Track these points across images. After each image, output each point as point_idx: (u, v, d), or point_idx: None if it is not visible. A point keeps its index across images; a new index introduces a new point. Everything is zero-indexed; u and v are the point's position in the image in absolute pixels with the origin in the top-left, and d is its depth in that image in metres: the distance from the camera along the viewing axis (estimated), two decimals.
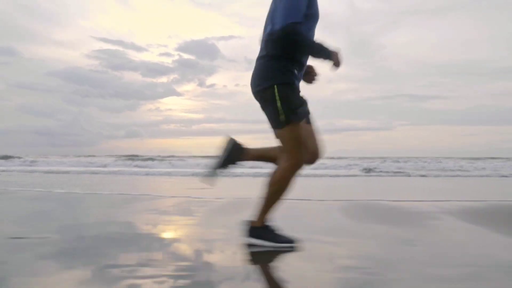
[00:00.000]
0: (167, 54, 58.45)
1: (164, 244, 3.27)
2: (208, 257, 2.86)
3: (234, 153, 2.21)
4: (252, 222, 2.29)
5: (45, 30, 50.92)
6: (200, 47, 50.77)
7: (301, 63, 2.02)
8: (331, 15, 52.28)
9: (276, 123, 1.97)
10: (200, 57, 53.45)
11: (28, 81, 53.37)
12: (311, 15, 1.96)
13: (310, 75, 2.34)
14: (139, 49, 53.95)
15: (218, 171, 2.30)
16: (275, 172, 2.13)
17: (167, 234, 3.82)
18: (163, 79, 55.15)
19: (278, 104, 1.88)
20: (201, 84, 55.55)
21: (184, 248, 3.15)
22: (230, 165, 2.25)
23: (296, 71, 1.98)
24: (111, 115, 59.31)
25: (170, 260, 2.77)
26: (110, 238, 3.46)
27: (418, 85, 56.19)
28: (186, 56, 53.05)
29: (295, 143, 2.00)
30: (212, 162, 2.31)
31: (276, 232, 2.27)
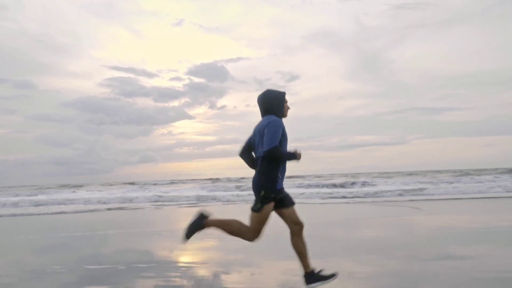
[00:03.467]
0: (178, 79, 59.57)
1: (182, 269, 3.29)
2: (225, 281, 2.89)
3: (197, 224, 2.93)
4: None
5: (59, 62, 52.68)
6: (209, 70, 51.68)
7: (283, 167, 2.95)
8: (339, 33, 52.78)
9: (256, 209, 2.80)
10: (210, 79, 54.37)
11: (45, 112, 54.85)
12: (283, 138, 2.88)
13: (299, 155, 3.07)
14: (150, 75, 55.20)
15: (189, 235, 2.92)
16: (240, 225, 2.91)
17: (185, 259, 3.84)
18: (175, 103, 56.15)
19: (261, 199, 2.79)
20: (212, 106, 56.36)
21: (202, 273, 3.17)
22: (195, 232, 2.93)
23: (280, 175, 2.88)
24: (125, 141, 60.27)
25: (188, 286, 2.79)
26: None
27: (430, 98, 55.78)
28: (196, 79, 54.02)
29: (259, 226, 2.84)
30: (185, 229, 2.95)
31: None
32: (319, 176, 31.50)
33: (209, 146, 62.81)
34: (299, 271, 3.22)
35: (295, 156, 2.88)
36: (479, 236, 4.67)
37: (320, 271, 2.92)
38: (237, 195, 14.48)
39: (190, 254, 4.18)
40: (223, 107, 53.77)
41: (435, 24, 48.62)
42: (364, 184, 19.56)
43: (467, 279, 2.83)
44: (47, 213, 10.66)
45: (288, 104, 3.09)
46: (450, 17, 48.03)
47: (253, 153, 3.09)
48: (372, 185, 18.89)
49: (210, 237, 5.20)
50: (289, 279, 2.99)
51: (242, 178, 31.22)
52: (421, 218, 6.79)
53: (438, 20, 48.54)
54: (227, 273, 3.26)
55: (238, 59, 50.37)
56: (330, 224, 6.30)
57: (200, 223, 2.94)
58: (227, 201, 13.13)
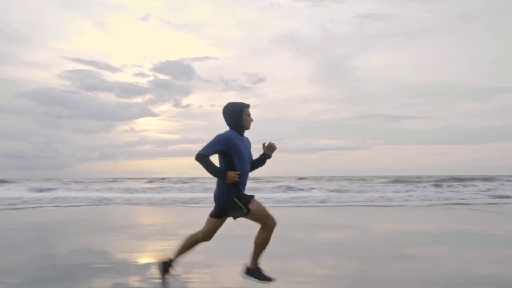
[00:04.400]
0: (142, 75, 58.28)
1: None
2: (185, 281, 2.87)
3: (165, 268, 2.99)
4: (249, 266, 2.98)
5: (16, 51, 49.89)
6: (175, 67, 50.85)
7: (243, 181, 2.96)
8: (306, 38, 53.80)
9: (243, 214, 2.86)
10: (175, 77, 53.44)
11: None
12: (235, 153, 2.90)
13: (270, 150, 3.13)
14: (113, 69, 53.52)
15: (165, 277, 2.99)
16: (261, 234, 2.91)
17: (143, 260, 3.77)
18: (138, 100, 54.73)
19: (240, 205, 2.85)
20: (176, 104, 55.53)
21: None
22: (167, 274, 2.99)
23: (240, 187, 2.91)
24: (85, 136, 57.95)
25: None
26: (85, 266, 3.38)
27: (391, 105, 58.14)
28: (161, 76, 53.03)
29: (262, 214, 2.87)
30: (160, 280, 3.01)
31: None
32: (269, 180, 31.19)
33: (173, 144, 61.89)
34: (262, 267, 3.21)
35: (224, 175, 2.86)
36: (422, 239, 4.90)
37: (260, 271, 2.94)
38: (148, 199, 13.52)
39: (150, 255, 4.09)
40: (188, 105, 53.20)
41: (398, 35, 50.75)
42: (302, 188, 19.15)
43: (421, 280, 2.97)
44: None
45: (251, 116, 3.08)
46: (412, 29, 50.32)
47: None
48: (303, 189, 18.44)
49: (171, 237, 5.12)
50: (249, 280, 3.00)
51: (194, 178, 30.79)
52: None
53: (401, 32, 50.71)
54: (188, 273, 3.23)
55: (205, 58, 50.13)
56: (289, 226, 6.39)
57: (165, 268, 2.97)
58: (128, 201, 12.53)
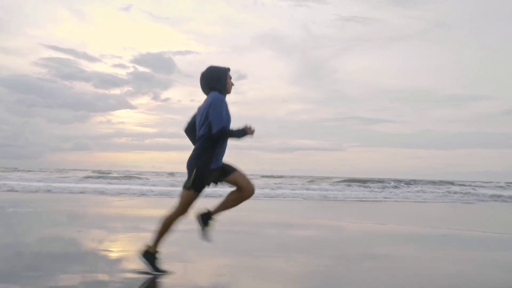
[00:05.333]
0: (122, 66, 56.90)
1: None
2: (156, 274, 2.83)
3: (150, 257, 2.89)
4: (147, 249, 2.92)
5: None
6: (156, 60, 49.87)
7: (223, 146, 2.91)
8: (288, 37, 53.94)
9: (185, 186, 2.83)
10: (155, 70, 52.45)
11: None
12: (227, 116, 2.86)
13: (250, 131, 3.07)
14: (92, 59, 51.94)
15: (205, 230, 3.03)
16: (170, 216, 2.91)
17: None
18: (116, 91, 53.43)
19: (192, 177, 2.80)
20: (155, 97, 54.63)
21: (133, 266, 3.07)
22: (209, 225, 3.01)
23: (215, 157, 2.84)
24: (59, 126, 56.14)
25: (116, 280, 2.70)
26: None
27: (368, 108, 59.06)
28: (141, 68, 51.85)
29: (188, 202, 2.84)
30: (200, 228, 3.04)
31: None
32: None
33: (149, 138, 60.98)
34: (234, 267, 3.23)
35: (245, 133, 2.79)
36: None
37: (210, 223, 2.97)
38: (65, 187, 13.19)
39: (121, 246, 4.03)
40: (167, 99, 52.42)
41: (378, 40, 51.56)
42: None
43: (388, 279, 3.04)
44: None
45: (232, 80, 3.00)
46: (392, 34, 51.23)
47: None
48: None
49: (143, 230, 5.06)
50: (222, 274, 2.99)
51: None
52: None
53: (381, 36, 51.57)
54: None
55: (186, 52, 49.49)
56: (262, 221, 6.42)
57: (151, 257, 2.87)
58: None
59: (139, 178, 22.91)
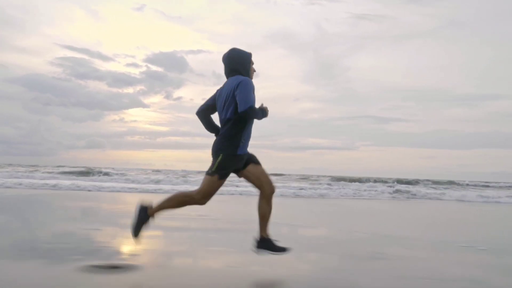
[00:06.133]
0: (135, 65, 57.29)
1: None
2: (166, 271, 2.86)
3: (142, 215, 2.87)
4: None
5: (7, 36, 48.60)
6: (168, 59, 50.15)
7: (249, 131, 2.86)
8: (300, 35, 53.70)
9: (209, 172, 2.77)
10: (168, 69, 52.78)
11: None
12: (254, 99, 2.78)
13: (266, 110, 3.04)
14: (105, 58, 52.49)
15: (137, 232, 2.91)
16: (185, 195, 2.85)
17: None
18: (130, 90, 53.95)
19: (217, 164, 2.74)
20: (168, 96, 54.91)
21: (144, 262, 3.10)
22: (144, 225, 2.89)
23: (243, 140, 2.78)
24: (73, 124, 56.90)
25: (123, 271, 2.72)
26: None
27: (380, 107, 58.46)
28: (154, 67, 52.18)
29: (211, 190, 2.77)
30: (131, 228, 2.92)
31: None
32: None
33: (162, 136, 61.34)
34: (245, 264, 3.23)
35: (266, 112, 2.81)
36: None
37: (274, 240, 2.88)
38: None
39: (131, 243, 4.07)
40: (179, 98, 52.65)
41: (391, 38, 51.02)
42: None
43: (396, 278, 3.01)
44: None
45: (254, 66, 2.95)
46: (405, 32, 50.64)
47: (211, 116, 3.00)
48: None
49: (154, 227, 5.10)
50: (232, 271, 3.00)
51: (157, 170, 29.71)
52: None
53: (394, 34, 50.93)
54: (169, 264, 3.22)
55: (199, 51, 49.58)
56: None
57: (144, 216, 2.85)
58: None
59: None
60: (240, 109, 2.65)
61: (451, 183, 27.20)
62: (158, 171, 28.45)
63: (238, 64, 2.85)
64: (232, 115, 2.73)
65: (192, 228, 5.14)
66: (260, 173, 2.87)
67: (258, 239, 2.89)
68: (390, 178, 25.00)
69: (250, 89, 2.70)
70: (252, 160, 2.88)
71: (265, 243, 2.87)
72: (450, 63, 52.88)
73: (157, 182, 16.96)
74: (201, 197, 2.77)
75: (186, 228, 5.11)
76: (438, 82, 54.42)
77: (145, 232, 2.96)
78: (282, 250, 2.86)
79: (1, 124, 50.34)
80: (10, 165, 30.77)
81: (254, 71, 2.97)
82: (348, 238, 4.90)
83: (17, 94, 49.60)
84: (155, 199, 2.98)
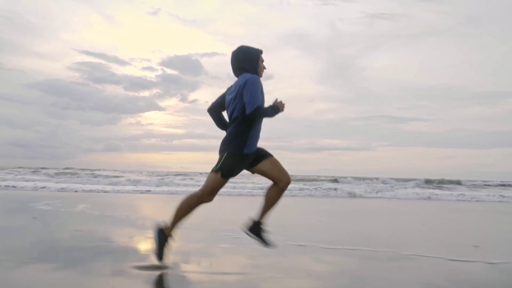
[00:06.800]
0: (150, 69, 58.08)
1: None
2: (182, 270, 2.88)
3: (161, 237, 2.86)
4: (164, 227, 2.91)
5: (27, 42, 49.95)
6: (183, 62, 50.65)
7: (257, 130, 2.80)
8: (314, 36, 53.48)
9: (215, 169, 2.74)
10: (183, 72, 53.28)
11: (8, 92, 51.67)
12: (262, 97, 2.77)
13: (281, 105, 2.96)
14: (122, 62, 53.34)
15: (161, 256, 2.89)
16: (190, 198, 2.82)
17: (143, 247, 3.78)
18: (146, 93, 54.70)
19: (222, 162, 2.72)
20: (183, 99, 55.40)
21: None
22: (165, 247, 2.88)
23: (251, 139, 2.72)
24: (91, 128, 58.01)
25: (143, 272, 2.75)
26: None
27: (396, 107, 57.66)
28: (169, 71, 52.78)
29: (214, 186, 2.74)
30: (154, 254, 2.92)
31: None
32: None
33: (177, 139, 61.89)
34: (259, 264, 3.22)
35: (278, 108, 2.74)
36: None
37: (264, 231, 2.91)
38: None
39: (148, 242, 4.11)
40: (194, 101, 53.06)
41: (407, 36, 50.30)
42: None
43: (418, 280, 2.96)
44: None
45: (264, 63, 2.89)
46: (421, 30, 49.81)
47: (223, 113, 2.98)
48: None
49: None
50: (247, 271, 3.00)
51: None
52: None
53: (410, 33, 50.20)
54: (185, 262, 3.24)
55: (213, 54, 49.87)
56: (286, 219, 6.38)
57: (163, 238, 2.84)
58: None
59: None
60: (248, 110, 2.63)
61: (486, 184, 26.40)
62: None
63: (244, 61, 2.79)
64: (239, 113, 2.70)
65: (206, 226, 5.17)
66: (273, 165, 2.82)
67: (252, 222, 2.91)
68: (414, 179, 24.48)
69: (256, 88, 2.65)
70: (263, 154, 2.84)
71: (257, 229, 2.89)
72: (467, 61, 51.81)
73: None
74: (206, 194, 2.77)
75: (202, 227, 5.14)
76: (455, 80, 53.32)
77: (168, 253, 2.96)
78: (266, 243, 2.91)
79: (22, 128, 51.68)
80: (43, 168, 31.12)
81: (264, 68, 2.89)
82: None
83: (36, 99, 50.88)
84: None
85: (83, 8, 50.34)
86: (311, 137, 64.03)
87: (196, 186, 15.88)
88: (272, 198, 2.84)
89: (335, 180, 23.95)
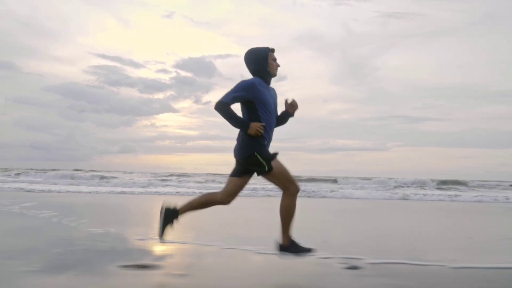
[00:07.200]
0: (165, 71, 58.66)
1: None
2: (199, 269, 2.89)
3: (169, 217, 2.81)
4: (281, 242, 2.76)
5: (44, 46, 51.17)
6: (197, 64, 51.04)
7: (269, 135, 2.72)
8: (327, 36, 53.20)
9: (265, 172, 2.60)
10: (197, 74, 53.71)
11: (26, 95, 53.19)
12: (259, 103, 2.61)
13: (292, 108, 2.91)
14: (136, 65, 54.03)
15: (163, 234, 2.88)
16: (284, 201, 2.65)
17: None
18: (160, 96, 55.34)
19: (262, 162, 2.58)
20: (197, 101, 55.78)
21: (176, 262, 3.15)
22: (169, 226, 2.85)
23: (265, 136, 2.65)
24: (107, 130, 59.02)
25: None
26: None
27: (412, 107, 56.81)
28: (183, 73, 53.23)
29: (285, 175, 2.61)
30: (157, 229, 2.89)
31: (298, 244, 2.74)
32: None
33: (192, 140, 62.31)
34: (282, 259, 3.05)
35: (247, 126, 2.56)
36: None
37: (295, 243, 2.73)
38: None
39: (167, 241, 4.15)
40: (208, 102, 53.31)
41: (422, 35, 49.57)
42: None
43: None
44: None
45: (277, 61, 2.80)
46: (436, 29, 49.03)
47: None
48: None
49: (186, 228, 5.18)
50: (272, 267, 3.00)
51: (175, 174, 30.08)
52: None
53: (425, 31, 49.51)
54: (199, 263, 3.26)
55: (227, 55, 50.11)
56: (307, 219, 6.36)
57: (170, 218, 2.79)
58: None
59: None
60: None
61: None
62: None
63: (253, 63, 2.74)
64: (245, 117, 2.69)
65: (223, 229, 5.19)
66: (242, 184, 2.74)
67: (282, 243, 2.74)
68: (434, 179, 23.94)
69: (238, 88, 2.60)
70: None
71: (289, 248, 2.71)
72: (486, 59, 50.76)
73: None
74: (290, 188, 2.62)
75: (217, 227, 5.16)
76: (471, 79, 52.38)
77: (170, 233, 2.96)
78: (306, 251, 2.72)
79: (40, 131, 52.88)
80: (77, 170, 31.52)
81: (278, 66, 2.80)
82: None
83: (53, 102, 52.01)
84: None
85: (98, 12, 51.27)
86: (325, 138, 63.65)
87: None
88: (288, 210, 2.69)
89: (335, 181, 23.47)
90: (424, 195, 14.47)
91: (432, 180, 23.47)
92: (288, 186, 2.60)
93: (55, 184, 17.14)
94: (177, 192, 13.76)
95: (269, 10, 54.32)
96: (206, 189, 13.65)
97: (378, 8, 48.08)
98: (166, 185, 18.05)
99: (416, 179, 23.38)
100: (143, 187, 16.28)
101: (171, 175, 29.31)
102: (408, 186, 21.22)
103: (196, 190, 13.89)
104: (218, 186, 17.15)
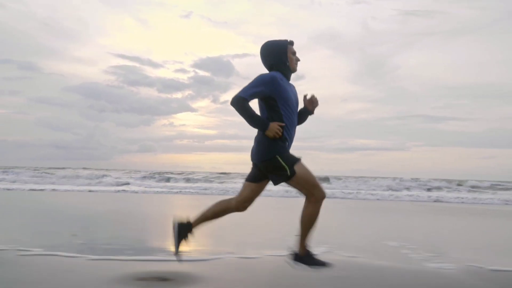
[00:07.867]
0: (183, 71, 59.10)
1: None
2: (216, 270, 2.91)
3: (183, 231, 2.59)
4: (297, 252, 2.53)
5: (65, 47, 52.35)
6: (215, 64, 51.20)
7: (289, 136, 2.45)
8: (346, 35, 52.59)
9: (287, 178, 2.33)
10: (215, 74, 53.87)
11: (47, 95, 54.49)
12: (280, 99, 2.38)
13: (312, 104, 2.63)
14: (155, 65, 54.62)
15: (178, 250, 2.64)
16: (307, 208, 2.40)
17: None
18: (178, 95, 55.79)
19: (284, 165, 2.32)
20: (215, 100, 56.00)
21: (193, 265, 3.18)
22: (184, 241, 2.61)
23: (286, 137, 2.41)
24: (126, 129, 59.95)
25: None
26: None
27: (432, 106, 55.46)
28: (201, 72, 53.53)
29: (309, 180, 2.34)
30: (172, 247, 2.67)
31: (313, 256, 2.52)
32: None
33: (209, 139, 62.69)
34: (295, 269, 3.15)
35: (266, 126, 2.31)
36: None
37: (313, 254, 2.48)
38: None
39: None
40: (226, 102, 53.43)
41: (442, 33, 48.44)
42: None
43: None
44: None
45: (296, 55, 2.53)
46: (457, 27, 47.87)
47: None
48: None
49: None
50: (282, 271, 3.00)
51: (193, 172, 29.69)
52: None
53: (446, 30, 48.37)
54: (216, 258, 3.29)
55: (244, 55, 50.16)
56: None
57: (183, 232, 2.58)
58: None
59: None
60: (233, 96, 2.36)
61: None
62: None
63: (270, 57, 2.48)
64: (264, 115, 2.43)
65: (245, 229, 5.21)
66: (259, 190, 2.52)
67: (297, 252, 2.52)
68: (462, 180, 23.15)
69: (256, 83, 2.35)
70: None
71: (303, 259, 2.49)
72: (506, 58, 49.27)
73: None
74: (315, 193, 2.37)
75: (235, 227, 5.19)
76: (495, 78, 50.85)
77: (184, 247, 2.73)
78: (321, 264, 2.48)
79: (61, 131, 54.24)
80: (108, 169, 31.76)
81: (298, 60, 2.55)
82: None
83: (74, 102, 53.22)
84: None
85: (117, 13, 52.15)
86: (344, 137, 62.95)
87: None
88: (310, 218, 2.44)
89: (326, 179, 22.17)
90: (457, 198, 14.02)
91: (460, 182, 22.81)
92: (313, 192, 2.33)
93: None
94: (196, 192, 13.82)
95: (287, 10, 54.13)
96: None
97: (397, 6, 47.25)
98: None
99: (440, 179, 22.76)
100: None
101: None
102: (438, 188, 20.36)
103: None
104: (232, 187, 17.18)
